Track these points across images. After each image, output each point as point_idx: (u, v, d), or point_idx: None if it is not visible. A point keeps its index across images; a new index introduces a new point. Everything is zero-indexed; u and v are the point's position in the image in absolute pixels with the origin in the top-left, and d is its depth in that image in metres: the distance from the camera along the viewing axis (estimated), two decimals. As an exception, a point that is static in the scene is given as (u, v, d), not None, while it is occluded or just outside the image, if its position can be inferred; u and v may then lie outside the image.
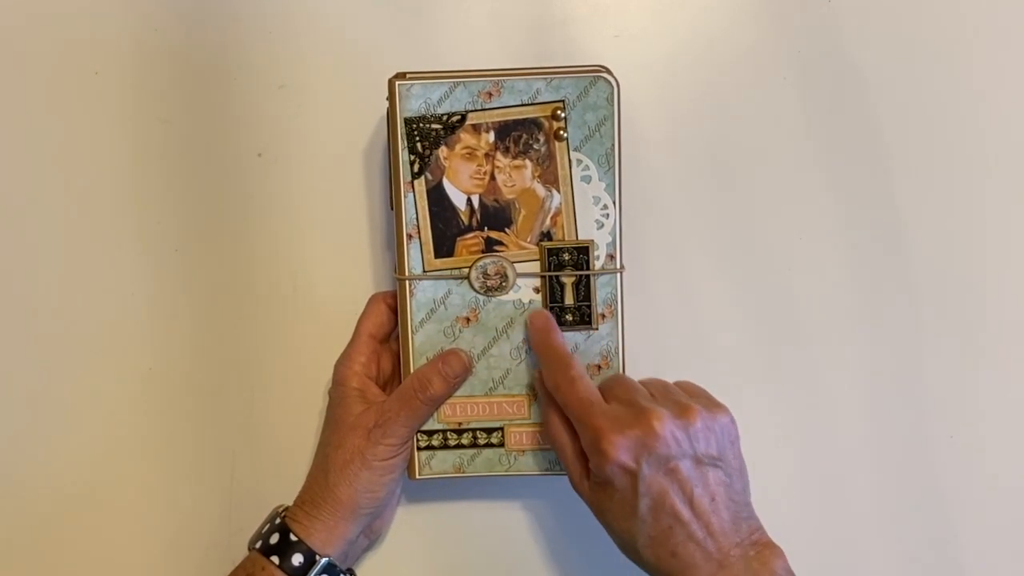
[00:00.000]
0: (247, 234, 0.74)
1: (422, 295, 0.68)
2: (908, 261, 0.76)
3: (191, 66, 0.74)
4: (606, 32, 0.69)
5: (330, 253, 0.74)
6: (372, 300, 0.70)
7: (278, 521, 0.66)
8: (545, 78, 0.66)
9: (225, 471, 0.74)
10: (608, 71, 0.66)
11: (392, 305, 0.69)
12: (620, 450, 0.59)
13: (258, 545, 0.66)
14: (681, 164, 0.76)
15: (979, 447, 0.76)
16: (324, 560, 0.65)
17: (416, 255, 0.67)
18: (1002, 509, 0.76)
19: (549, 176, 0.67)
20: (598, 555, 0.73)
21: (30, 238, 0.74)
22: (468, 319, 0.68)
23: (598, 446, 0.60)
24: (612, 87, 0.66)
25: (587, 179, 0.67)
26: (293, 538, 0.65)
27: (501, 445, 0.69)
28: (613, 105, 0.66)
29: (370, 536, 0.72)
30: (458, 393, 0.68)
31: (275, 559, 0.65)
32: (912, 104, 0.76)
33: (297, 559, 0.64)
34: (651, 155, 0.75)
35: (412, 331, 0.68)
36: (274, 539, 0.65)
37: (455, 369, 0.67)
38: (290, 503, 0.68)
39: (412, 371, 0.68)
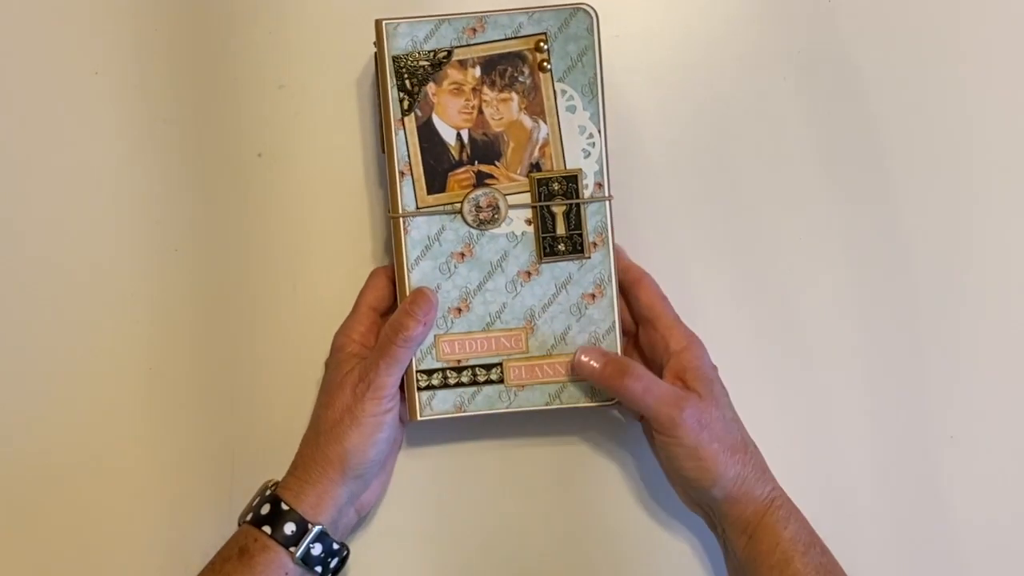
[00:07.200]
0: (247, 234, 0.74)
1: (416, 232, 0.68)
2: (908, 260, 0.76)
3: (191, 66, 0.74)
4: (606, 32, 0.69)
5: (330, 253, 0.74)
6: (373, 274, 0.71)
7: (268, 493, 0.67)
8: (527, 12, 0.68)
9: (225, 470, 0.74)
10: (587, 4, 0.68)
11: (393, 278, 0.69)
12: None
13: (249, 517, 0.66)
14: (681, 164, 0.76)
15: (979, 447, 0.76)
16: (317, 528, 0.65)
17: (409, 192, 0.68)
18: (1002, 509, 0.76)
19: (535, 108, 0.68)
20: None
21: (30, 238, 0.74)
22: (463, 254, 0.69)
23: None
24: (592, 17, 0.68)
25: (572, 109, 0.68)
26: (284, 507, 0.65)
27: (501, 381, 0.69)
28: (593, 35, 0.68)
29: (360, 511, 0.71)
30: (456, 329, 0.69)
31: (267, 529, 0.65)
32: (912, 104, 0.76)
33: (289, 528, 0.65)
34: (651, 155, 0.75)
35: (408, 269, 0.68)
36: (265, 510, 0.66)
37: (421, 306, 0.67)
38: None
39: None
